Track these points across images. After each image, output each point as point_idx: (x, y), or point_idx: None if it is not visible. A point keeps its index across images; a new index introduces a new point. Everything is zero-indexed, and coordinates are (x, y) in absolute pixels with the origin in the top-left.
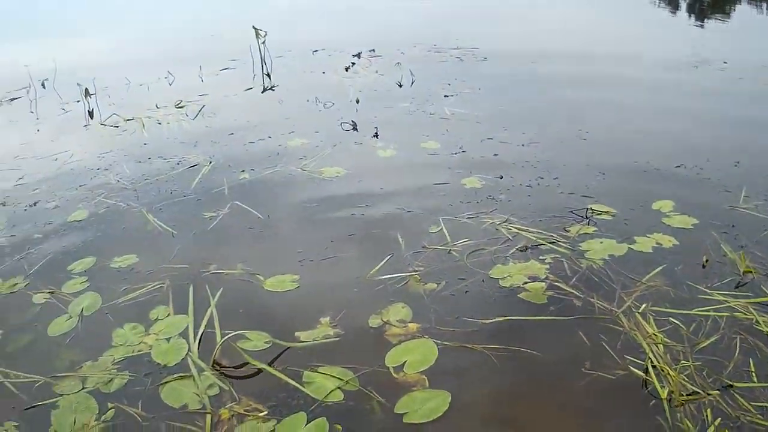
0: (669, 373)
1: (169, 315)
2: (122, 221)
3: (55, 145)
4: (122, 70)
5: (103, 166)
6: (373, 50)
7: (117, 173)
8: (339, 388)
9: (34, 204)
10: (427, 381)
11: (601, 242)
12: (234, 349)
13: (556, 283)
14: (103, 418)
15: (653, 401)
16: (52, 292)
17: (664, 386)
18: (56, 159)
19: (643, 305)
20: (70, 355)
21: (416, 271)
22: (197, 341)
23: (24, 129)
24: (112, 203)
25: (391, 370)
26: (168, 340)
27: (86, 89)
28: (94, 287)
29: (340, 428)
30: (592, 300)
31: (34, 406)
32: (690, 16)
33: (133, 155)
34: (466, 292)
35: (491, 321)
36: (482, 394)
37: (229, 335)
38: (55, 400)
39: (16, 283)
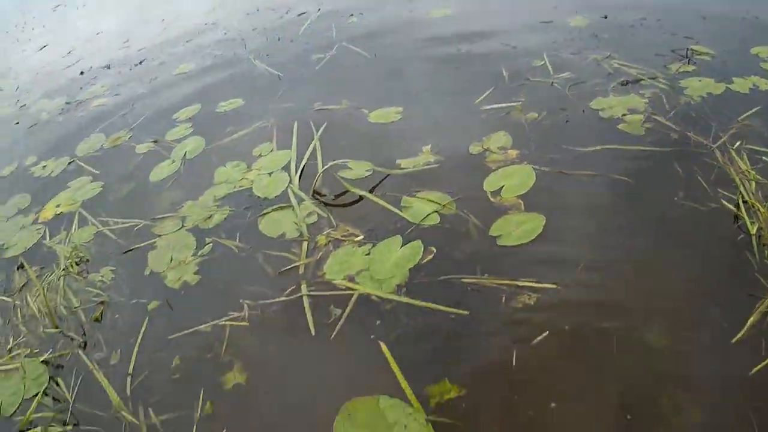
0: (759, 210)
1: (272, 151)
2: (229, 69)
3: (160, 10)
4: None
5: (210, 21)
6: None
7: (224, 27)
8: (436, 212)
9: (140, 63)
10: (522, 205)
11: (700, 81)
12: (335, 179)
13: (654, 116)
14: (200, 253)
15: (742, 236)
16: (156, 141)
17: (753, 222)
18: (162, 20)
19: (738, 142)
20: (171, 197)
21: (518, 101)
22: (299, 173)
23: None
24: (219, 54)
25: (489, 194)
26: (270, 174)
27: None
28: (198, 132)
29: (435, 250)
30: (688, 134)
31: (131, 250)
32: None
33: (240, 9)
34: (566, 121)
35: (589, 149)
36: (577, 218)
37: (330, 164)
38: (153, 241)
39: (119, 137)
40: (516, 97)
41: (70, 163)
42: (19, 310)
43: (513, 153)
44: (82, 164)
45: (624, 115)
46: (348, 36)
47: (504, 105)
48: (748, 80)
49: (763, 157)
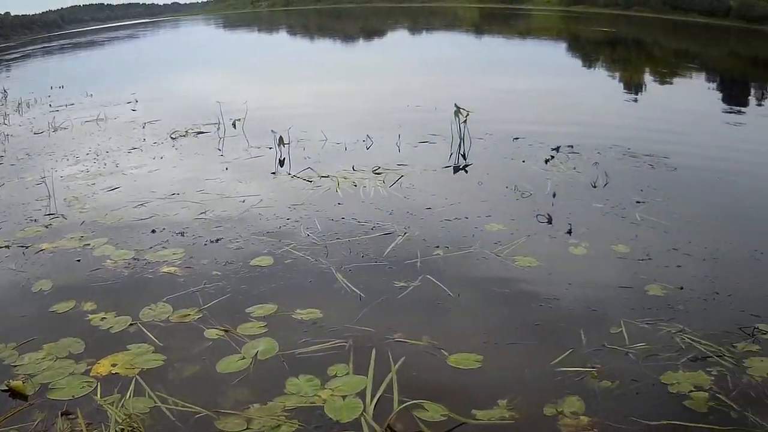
0: None
1: (347, 374)
2: (309, 275)
3: (242, 187)
4: (319, 124)
5: (293, 217)
6: (572, 146)
7: (308, 227)
8: None
9: (216, 241)
10: None
11: (762, 360)
12: (410, 417)
13: (718, 395)
14: None
15: None
16: (227, 331)
17: None
18: (243, 201)
19: None
20: (237, 394)
21: (594, 367)
22: (373, 403)
23: (209, 165)
24: (300, 255)
25: None
26: (343, 398)
27: (281, 138)
28: (272, 334)
29: None
30: (746, 414)
31: None
32: None
33: (325, 212)
34: (637, 393)
35: (656, 423)
36: None
37: (408, 403)
38: None
39: (188, 315)
40: (592, 362)
41: (131, 324)
42: None
43: (584, 419)
44: (145, 331)
45: (690, 391)
46: (433, 269)
47: (580, 369)
48: None
49: None
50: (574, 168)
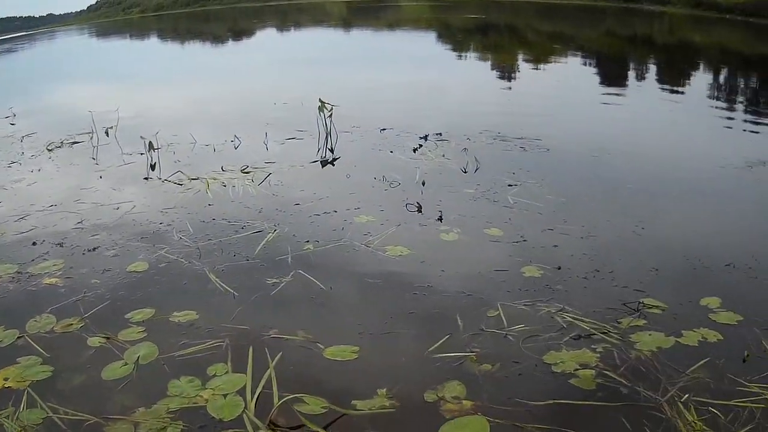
0: None
1: (227, 373)
2: (183, 277)
3: (117, 195)
4: (189, 127)
5: (165, 221)
6: (440, 134)
7: (180, 230)
8: None
9: (93, 249)
10: None
11: (650, 335)
12: (290, 411)
13: (606, 371)
14: None
15: None
16: (108, 338)
17: None
18: (117, 208)
19: (686, 395)
20: (123, 399)
21: (473, 351)
22: (254, 400)
23: (85, 174)
24: (174, 259)
25: None
26: (224, 396)
27: (150, 143)
28: (151, 338)
29: None
30: (638, 389)
31: None
32: (745, 121)
33: (196, 214)
34: (520, 374)
35: (542, 403)
36: None
37: (288, 397)
38: None
39: (71, 324)
40: (470, 347)
41: (19, 337)
42: None
43: (467, 404)
44: (32, 343)
45: (576, 369)
46: (304, 263)
47: (459, 354)
48: (697, 332)
49: (710, 408)
50: (443, 155)
